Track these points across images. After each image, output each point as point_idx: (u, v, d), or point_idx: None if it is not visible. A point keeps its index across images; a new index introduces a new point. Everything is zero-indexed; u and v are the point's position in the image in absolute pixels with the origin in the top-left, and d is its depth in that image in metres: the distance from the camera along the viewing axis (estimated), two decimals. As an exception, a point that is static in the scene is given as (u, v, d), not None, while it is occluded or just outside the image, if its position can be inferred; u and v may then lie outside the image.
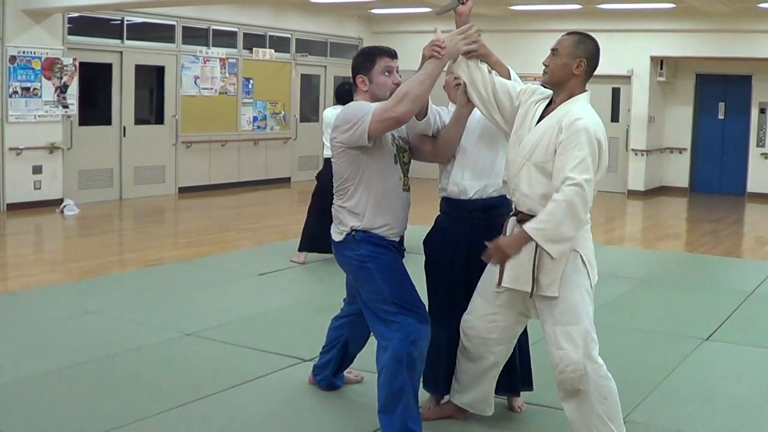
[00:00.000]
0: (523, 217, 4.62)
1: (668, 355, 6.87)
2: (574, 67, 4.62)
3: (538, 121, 4.67)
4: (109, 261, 10.44)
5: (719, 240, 13.19)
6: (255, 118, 18.31)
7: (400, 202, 4.99)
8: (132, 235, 12.94)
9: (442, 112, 5.20)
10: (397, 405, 4.76)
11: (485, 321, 4.90)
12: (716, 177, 19.72)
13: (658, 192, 19.31)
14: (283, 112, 18.99)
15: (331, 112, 11.45)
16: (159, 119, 16.56)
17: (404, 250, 5.19)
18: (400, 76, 5.00)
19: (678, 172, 20.00)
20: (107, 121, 15.52)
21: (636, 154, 19.13)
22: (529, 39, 18.96)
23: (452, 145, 5.13)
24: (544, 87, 4.81)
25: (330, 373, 5.83)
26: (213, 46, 17.30)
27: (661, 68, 19.17)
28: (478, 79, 4.88)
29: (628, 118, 19.21)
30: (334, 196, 5.02)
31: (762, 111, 18.98)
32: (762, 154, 18.98)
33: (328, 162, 12.23)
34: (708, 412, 5.70)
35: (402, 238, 5.12)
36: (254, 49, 18.21)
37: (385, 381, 4.82)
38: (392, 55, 5.02)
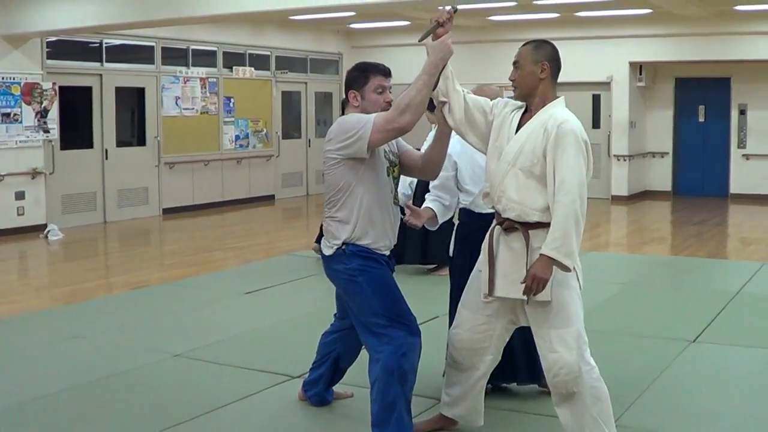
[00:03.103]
0: (510, 225, 4.66)
1: (656, 358, 6.89)
2: (539, 72, 4.72)
3: (517, 130, 4.69)
4: (94, 285, 10.41)
5: (703, 242, 13.24)
6: (237, 137, 18.30)
7: (391, 215, 5.02)
8: (117, 258, 12.91)
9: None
10: (390, 418, 4.79)
11: (475, 332, 4.92)
12: (699, 180, 19.79)
13: (641, 197, 19.36)
14: (265, 130, 19.00)
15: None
16: (141, 141, 16.54)
17: (394, 264, 5.20)
18: (391, 93, 5.03)
19: (661, 176, 20.07)
20: (89, 145, 15.49)
21: (618, 160, 19.19)
22: (509, 49, 18.92)
23: (438, 162, 5.19)
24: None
25: (321, 389, 5.81)
26: (193, 65, 17.30)
27: (640, 73, 19.25)
28: (454, 101, 4.88)
29: (609, 124, 19.28)
30: (325, 208, 5.03)
31: (742, 112, 19.06)
32: (743, 155, 19.06)
33: None
34: (696, 414, 5.72)
35: (392, 252, 5.12)
36: (234, 67, 18.22)
37: (377, 394, 4.84)
38: (386, 73, 5.07)
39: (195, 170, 17.33)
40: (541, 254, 4.48)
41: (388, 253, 5.05)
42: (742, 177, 19.11)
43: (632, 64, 19.00)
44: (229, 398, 6.05)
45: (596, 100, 19.47)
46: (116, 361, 6.98)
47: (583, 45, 18.78)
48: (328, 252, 5.00)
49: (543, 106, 4.73)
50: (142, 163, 16.37)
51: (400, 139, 5.14)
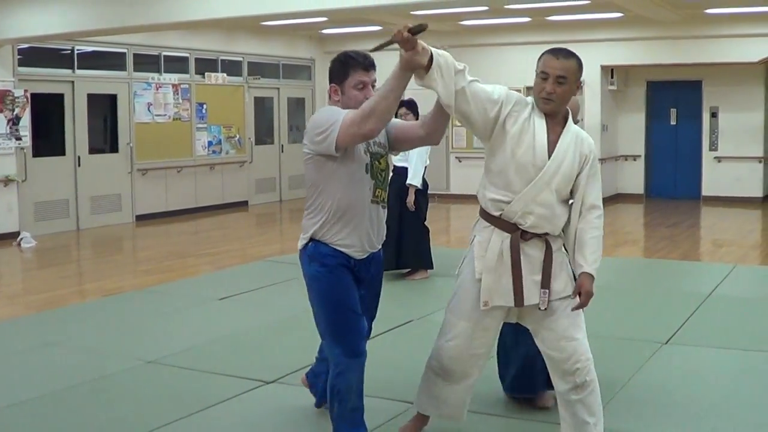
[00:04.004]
0: (532, 236, 4.65)
1: (629, 360, 6.91)
2: (576, 89, 4.72)
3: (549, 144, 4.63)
4: (68, 292, 10.37)
5: (676, 244, 13.30)
6: (210, 143, 18.27)
7: (367, 215, 4.86)
8: (90, 265, 12.87)
9: None
10: (334, 429, 4.98)
11: (472, 340, 4.85)
12: (671, 182, 19.91)
13: (614, 199, 19.43)
14: (237, 136, 18.97)
15: None
16: (113, 147, 16.48)
17: (376, 269, 5.11)
18: (375, 88, 4.90)
19: (633, 178, 20.18)
20: (61, 152, 15.42)
21: (591, 163, 19.22)
22: (480, 53, 19.07)
23: (442, 130, 5.06)
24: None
25: (322, 388, 5.60)
26: (165, 72, 17.26)
27: (612, 77, 19.35)
28: (443, 92, 4.62)
29: (581, 128, 19.28)
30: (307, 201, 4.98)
31: (713, 115, 19.18)
32: (715, 157, 19.18)
33: None
34: (670, 416, 5.75)
35: (374, 257, 5.02)
36: (206, 73, 18.19)
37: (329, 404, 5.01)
38: (367, 67, 4.90)
39: (168, 177, 17.28)
40: (585, 273, 4.63)
41: (362, 257, 4.91)
42: (714, 179, 19.22)
43: (604, 68, 19.08)
44: (203, 404, 6.04)
45: (568, 103, 19.52)
46: (90, 368, 6.95)
47: (555, 49, 18.85)
48: (299, 245, 4.99)
49: (565, 120, 4.71)
50: (115, 169, 16.31)
51: (395, 125, 5.11)
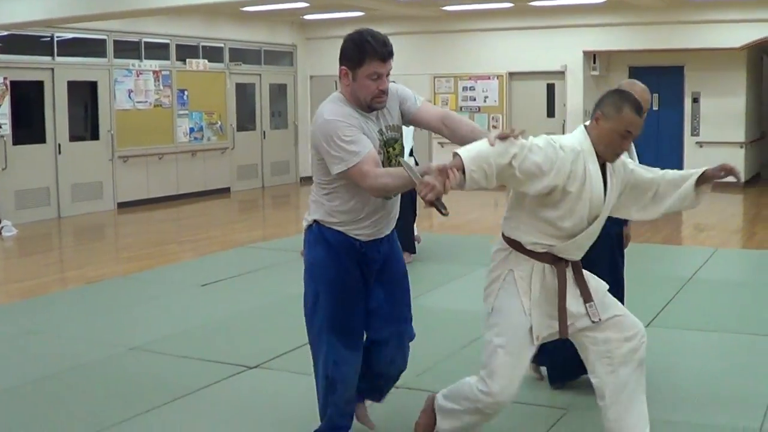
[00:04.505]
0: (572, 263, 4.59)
1: (611, 344, 6.92)
2: None
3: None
4: (50, 280, 10.33)
5: (658, 228, 13.32)
6: (191, 130, 18.22)
7: (378, 209, 4.63)
8: (72, 253, 12.82)
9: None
10: (323, 415, 4.89)
11: (520, 374, 4.53)
12: (653, 166, 19.90)
13: (597, 185, 19.47)
14: (219, 123, 18.92)
15: None
16: (94, 135, 16.42)
17: (388, 249, 4.82)
18: (389, 77, 4.55)
19: (615, 163, 20.17)
20: (41, 140, 15.35)
21: (573, 148, 19.26)
22: (462, 39, 19.06)
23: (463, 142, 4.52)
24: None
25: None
26: (145, 58, 17.19)
27: (594, 62, 19.34)
28: (492, 174, 4.18)
29: (563, 113, 19.36)
30: (313, 186, 4.75)
31: (695, 100, 19.22)
32: (697, 142, 19.21)
33: None
34: (651, 398, 5.73)
35: (387, 238, 4.78)
36: (187, 60, 18.13)
37: (317, 391, 4.92)
38: (385, 57, 4.46)
39: (149, 164, 17.23)
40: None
41: (369, 239, 4.67)
42: (695, 164, 18.85)
43: (586, 53, 19.09)
44: (186, 390, 6.05)
45: (550, 89, 19.55)
46: (73, 355, 6.94)
47: (537, 34, 18.88)
48: (303, 224, 4.81)
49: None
50: (96, 157, 16.25)
51: (409, 101, 4.71)
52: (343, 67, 4.52)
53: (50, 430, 5.40)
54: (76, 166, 15.78)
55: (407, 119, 4.73)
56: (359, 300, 4.73)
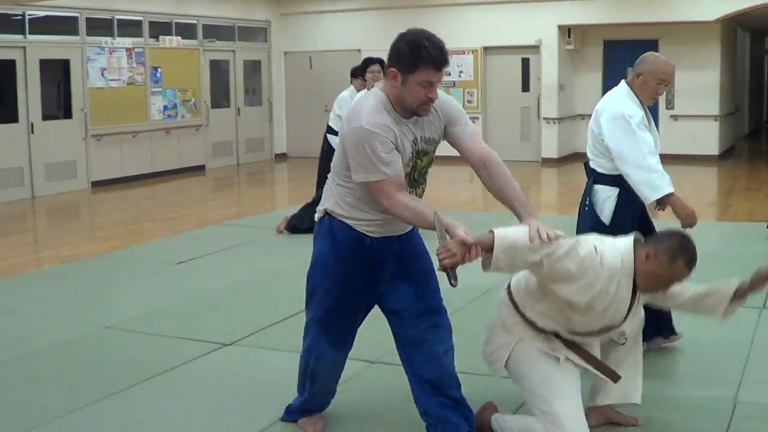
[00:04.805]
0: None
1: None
2: None
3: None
4: (24, 260, 10.27)
5: (633, 202, 13.35)
6: (165, 107, 18.12)
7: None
8: (46, 233, 12.74)
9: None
10: (300, 392, 5.03)
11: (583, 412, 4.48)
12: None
13: (571, 158, 19.47)
14: (193, 100, 18.81)
15: (345, 94, 11.37)
16: (67, 113, 16.28)
17: (398, 246, 4.59)
18: (441, 86, 4.43)
19: (590, 138, 20.20)
20: (14, 119, 15.21)
21: (548, 123, 19.31)
22: (436, 13, 18.99)
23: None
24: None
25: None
26: (118, 36, 17.05)
27: (569, 37, 19.35)
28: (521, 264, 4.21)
29: (538, 88, 19.38)
30: (331, 172, 4.56)
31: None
32: (672, 116, 19.26)
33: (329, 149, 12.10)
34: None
35: (401, 237, 4.59)
36: (160, 37, 18.00)
37: (299, 367, 4.97)
38: (440, 66, 4.22)
39: (123, 142, 17.12)
40: None
41: (379, 237, 4.49)
42: (670, 137, 19.25)
43: (561, 28, 19.09)
44: (162, 368, 6.03)
45: (525, 63, 19.55)
46: (47, 335, 6.90)
47: (512, 9, 18.86)
48: (316, 216, 4.65)
49: None
50: (69, 136, 16.13)
51: (459, 125, 4.48)
52: (393, 69, 4.24)
53: (26, 410, 5.37)
54: (50, 146, 15.65)
55: (450, 141, 4.54)
56: (359, 300, 4.62)
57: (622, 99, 5.84)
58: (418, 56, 4.17)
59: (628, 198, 5.79)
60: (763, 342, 6.44)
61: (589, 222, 5.81)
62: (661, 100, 19.36)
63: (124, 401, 5.50)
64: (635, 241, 4.33)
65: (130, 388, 5.68)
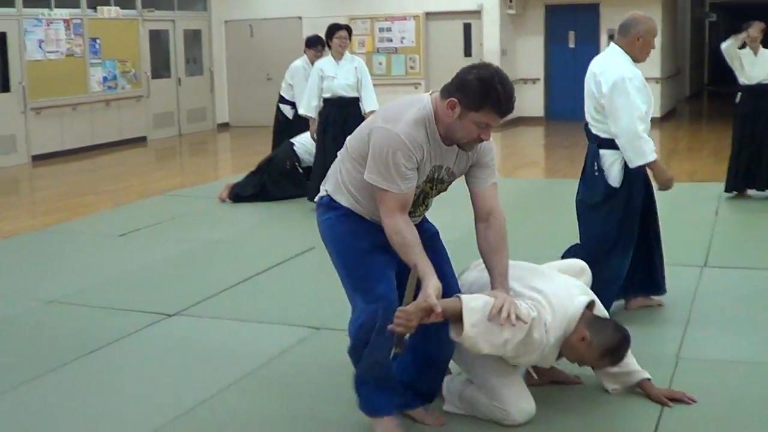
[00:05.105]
0: None
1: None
2: None
3: None
4: (-37, 235, 10.14)
5: (575, 164, 13.37)
6: (105, 79, 17.89)
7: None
8: (-14, 208, 12.58)
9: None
10: (359, 388, 4.44)
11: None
12: (570, 104, 19.90)
13: (514, 123, 19.52)
14: (133, 71, 18.60)
15: (298, 64, 11.45)
16: (5, 87, 16.01)
17: None
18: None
19: (533, 102, 20.28)
20: (-50, 93, 14.99)
21: (491, 88, 19.32)
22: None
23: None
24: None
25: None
26: (55, 7, 16.77)
27: (511, 1, 19.36)
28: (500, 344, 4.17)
29: (480, 53, 19.35)
30: (343, 151, 4.37)
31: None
32: (613, 79, 19.34)
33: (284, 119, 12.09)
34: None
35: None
36: (98, 7, 17.74)
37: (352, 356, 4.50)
38: (505, 115, 4.06)
39: (63, 115, 16.89)
40: None
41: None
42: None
43: (502, -8, 19.12)
44: (106, 340, 5.98)
45: (467, 28, 19.55)
46: (-12, 310, 6.82)
47: (452, -26, 18.85)
48: (316, 198, 4.52)
49: None
50: (8, 110, 15.87)
51: (487, 170, 4.33)
52: (455, 100, 4.01)
53: (-34, 386, 5.31)
54: (-13, 120, 15.43)
55: (468, 180, 4.37)
56: (374, 247, 4.25)
57: (620, 61, 6.01)
58: (487, 98, 3.98)
59: None
60: (703, 299, 6.51)
61: (602, 187, 5.99)
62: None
63: (69, 375, 5.46)
64: (583, 314, 4.41)
65: (73, 362, 5.63)
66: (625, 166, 5.89)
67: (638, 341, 4.75)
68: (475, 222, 4.35)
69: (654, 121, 18.60)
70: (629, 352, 4.64)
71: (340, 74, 10.02)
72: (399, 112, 4.11)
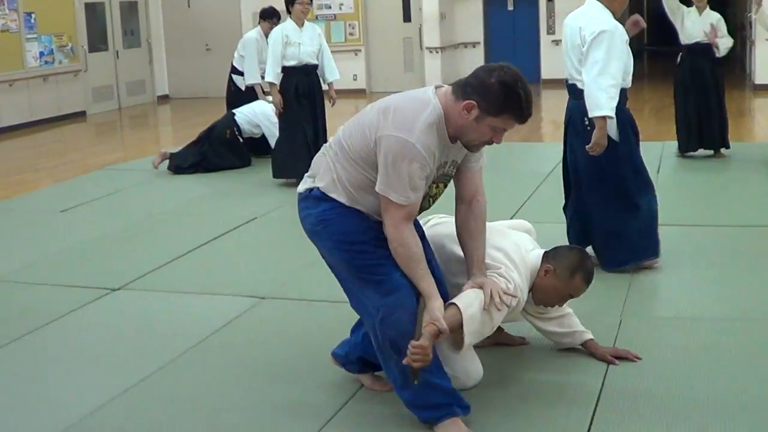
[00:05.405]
0: None
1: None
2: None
3: None
4: None
5: (518, 127, 13.48)
6: (41, 53, 17.64)
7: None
8: (-77, 188, 12.41)
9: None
10: (404, 387, 4.09)
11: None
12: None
13: (456, 87, 19.59)
14: (70, 45, 18.35)
15: (251, 35, 11.37)
16: (-62, 65, 15.81)
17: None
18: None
19: (473, 65, 19.73)
20: None
21: (431, 52, 19.33)
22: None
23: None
24: None
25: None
26: (-13, -18, 16.56)
27: (447, -36, 19.37)
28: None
29: (419, 18, 19.38)
30: (337, 148, 4.09)
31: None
32: (552, 41, 19.44)
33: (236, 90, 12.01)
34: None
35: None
36: (32, -19, 17.52)
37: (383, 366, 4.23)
38: (524, 121, 3.90)
39: (0, 92, 16.67)
40: None
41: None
42: (552, 63, 19.48)
43: (438, -44, 19.09)
44: (51, 317, 5.93)
45: (406, -7, 19.55)
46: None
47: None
48: (300, 188, 4.23)
49: None
50: (-58, 87, 15.67)
51: (479, 153, 4.18)
52: (473, 102, 3.83)
53: None
54: None
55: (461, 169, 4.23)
56: (376, 237, 4.03)
57: (601, 15, 6.03)
58: (508, 104, 3.82)
59: (622, 109, 6.12)
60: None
61: None
62: (542, 25, 19.56)
63: (12, 353, 5.41)
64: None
65: (18, 340, 5.58)
66: (617, 114, 5.99)
67: (582, 302, 4.79)
68: (457, 203, 4.24)
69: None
70: (573, 315, 4.79)
71: (305, 40, 9.74)
72: (410, 118, 3.87)
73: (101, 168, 11.86)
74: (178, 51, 20.83)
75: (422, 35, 19.41)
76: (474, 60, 20.16)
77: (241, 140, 11.03)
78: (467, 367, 4.37)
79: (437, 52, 19.28)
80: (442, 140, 3.91)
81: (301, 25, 9.70)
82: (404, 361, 3.84)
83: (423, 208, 4.10)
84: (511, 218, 7.25)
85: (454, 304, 4.00)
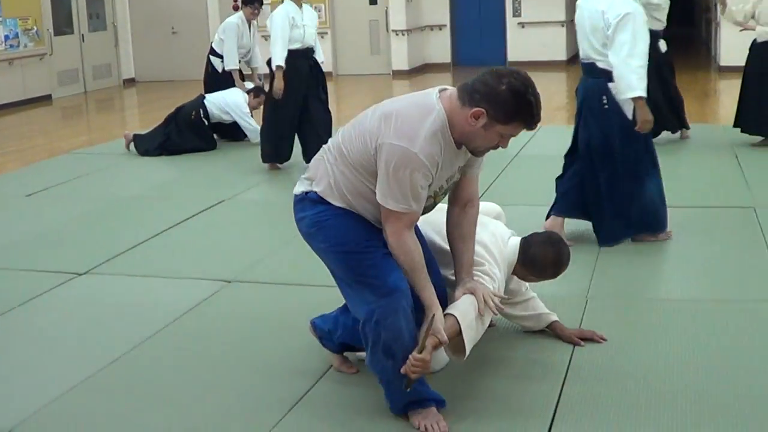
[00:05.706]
0: None
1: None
2: None
3: None
4: None
5: (484, 110, 13.55)
6: (6, 37, 17.50)
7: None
8: None
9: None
10: (389, 383, 4.04)
11: None
12: (477, 50, 20.14)
13: (422, 69, 19.61)
14: (35, 28, 18.22)
15: (233, 20, 11.51)
16: None
17: None
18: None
19: (439, 48, 20.36)
20: None
21: (397, 35, 19.34)
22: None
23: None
24: None
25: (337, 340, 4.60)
26: (-50, -35, 16.41)
27: (414, -53, 19.36)
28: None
29: (386, 0, 19.34)
30: (336, 153, 3.99)
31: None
32: (519, 23, 19.51)
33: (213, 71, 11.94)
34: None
35: None
36: (-4, -36, 17.37)
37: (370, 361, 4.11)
38: (533, 126, 3.80)
39: (-36, 76, 16.57)
40: None
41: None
42: (518, 45, 19.58)
43: (405, -61, 19.07)
44: (16, 301, 5.91)
45: (372, -24, 19.53)
46: None
47: None
48: (296, 190, 4.15)
49: None
50: None
51: (478, 160, 4.11)
52: (482, 110, 3.71)
53: None
54: None
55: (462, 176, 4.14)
56: (373, 238, 3.97)
57: None
58: (519, 112, 3.72)
59: None
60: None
61: (616, 120, 6.29)
62: (508, 8, 19.59)
63: (-23, 338, 5.40)
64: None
65: (-18, 325, 5.57)
66: None
67: (547, 285, 4.84)
68: (450, 204, 4.18)
69: (560, 65, 18.85)
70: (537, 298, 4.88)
71: (308, 22, 9.60)
72: (413, 125, 3.75)
73: (67, 152, 11.81)
74: (144, 34, 20.73)
75: (388, 18, 19.41)
76: (440, 42, 20.23)
77: (206, 123, 11.03)
78: (436, 354, 4.38)
79: (403, 34, 19.28)
80: (447, 146, 3.80)
81: (300, 6, 9.59)
82: (403, 371, 3.86)
83: (426, 209, 4.02)
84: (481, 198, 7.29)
85: (452, 314, 4.00)
